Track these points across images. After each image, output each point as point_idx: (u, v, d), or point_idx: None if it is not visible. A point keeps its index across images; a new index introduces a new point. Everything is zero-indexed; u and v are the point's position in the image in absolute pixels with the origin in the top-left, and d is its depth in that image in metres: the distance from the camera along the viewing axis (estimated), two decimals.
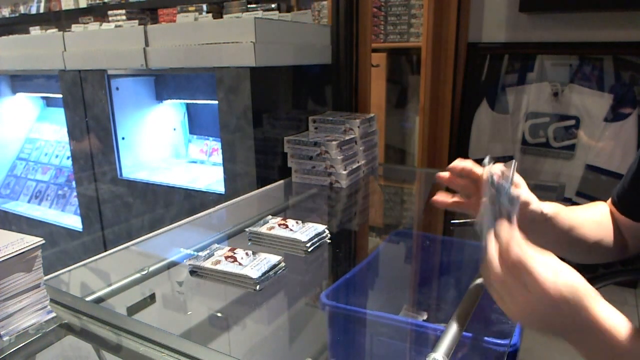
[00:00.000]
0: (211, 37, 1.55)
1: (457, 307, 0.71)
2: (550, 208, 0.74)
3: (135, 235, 1.23)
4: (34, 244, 0.69)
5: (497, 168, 0.67)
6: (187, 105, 2.27)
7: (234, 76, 1.52)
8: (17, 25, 3.50)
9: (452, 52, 2.09)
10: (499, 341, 0.87)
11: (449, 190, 0.76)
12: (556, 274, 0.54)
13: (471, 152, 2.17)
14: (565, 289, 0.53)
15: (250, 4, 2.29)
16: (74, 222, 2.30)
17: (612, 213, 0.84)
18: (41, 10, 3.42)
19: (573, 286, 0.54)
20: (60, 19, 3.24)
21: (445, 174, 0.74)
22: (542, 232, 0.74)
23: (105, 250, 1.08)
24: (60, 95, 2.06)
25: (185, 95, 2.08)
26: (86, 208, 2.11)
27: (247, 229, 1.10)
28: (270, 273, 0.91)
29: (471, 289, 0.76)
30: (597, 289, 0.55)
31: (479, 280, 0.78)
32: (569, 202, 1.95)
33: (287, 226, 1.09)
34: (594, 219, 0.82)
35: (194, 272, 0.94)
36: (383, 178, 1.86)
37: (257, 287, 0.88)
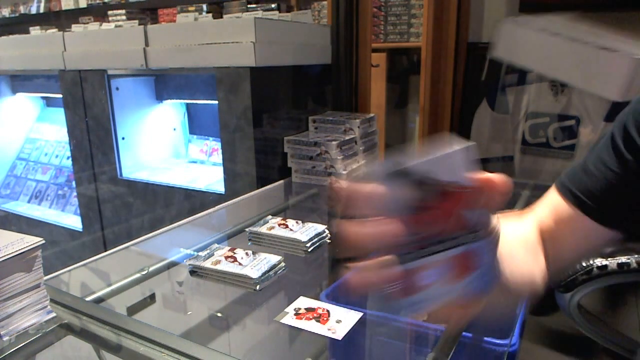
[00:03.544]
0: (211, 37, 1.55)
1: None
2: None
3: (135, 235, 1.23)
4: (34, 244, 0.69)
5: None
6: (187, 105, 2.27)
7: (234, 76, 1.52)
8: (17, 25, 3.50)
9: (452, 52, 2.08)
10: (498, 341, 0.87)
11: None
12: None
13: None
14: None
15: (250, 4, 2.30)
16: (74, 222, 2.30)
17: (562, 217, 0.58)
18: (41, 10, 3.42)
19: None
20: (60, 19, 3.24)
21: None
22: None
23: (105, 250, 1.08)
24: (60, 95, 2.06)
25: (185, 95, 2.07)
26: (86, 208, 2.11)
27: (247, 229, 1.10)
28: (270, 273, 0.91)
29: None
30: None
31: None
32: None
33: (287, 226, 1.09)
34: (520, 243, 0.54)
35: (194, 272, 0.94)
36: None
37: (257, 287, 0.88)
